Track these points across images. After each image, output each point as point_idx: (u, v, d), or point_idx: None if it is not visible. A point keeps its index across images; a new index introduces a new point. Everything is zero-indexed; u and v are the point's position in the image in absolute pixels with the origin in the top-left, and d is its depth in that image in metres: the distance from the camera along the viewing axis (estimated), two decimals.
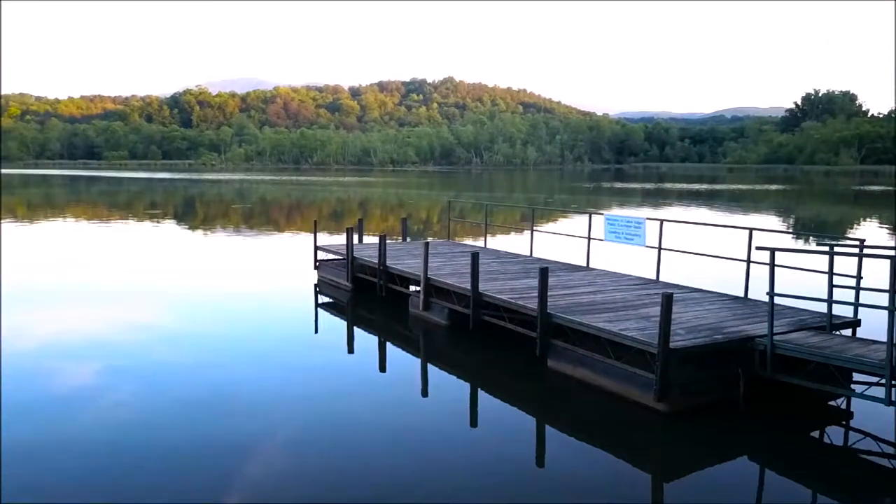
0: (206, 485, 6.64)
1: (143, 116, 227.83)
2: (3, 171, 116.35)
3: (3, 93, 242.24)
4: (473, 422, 8.70)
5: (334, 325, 13.86)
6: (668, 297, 8.08)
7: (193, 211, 45.64)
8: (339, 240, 22.33)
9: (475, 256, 11.49)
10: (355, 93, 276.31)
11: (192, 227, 33.42)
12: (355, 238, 16.28)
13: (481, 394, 9.81)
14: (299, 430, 8.06)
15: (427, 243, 13.11)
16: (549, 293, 10.17)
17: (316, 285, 16.96)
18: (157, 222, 35.22)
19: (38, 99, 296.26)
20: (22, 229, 30.92)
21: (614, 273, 13.91)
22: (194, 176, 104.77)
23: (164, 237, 28.95)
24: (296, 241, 27.03)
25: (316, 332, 13.19)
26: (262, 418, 8.39)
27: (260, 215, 41.41)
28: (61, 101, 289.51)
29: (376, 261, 14.75)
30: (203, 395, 9.20)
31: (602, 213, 14.18)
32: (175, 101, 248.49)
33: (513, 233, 27.71)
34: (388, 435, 7.97)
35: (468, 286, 11.70)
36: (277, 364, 10.65)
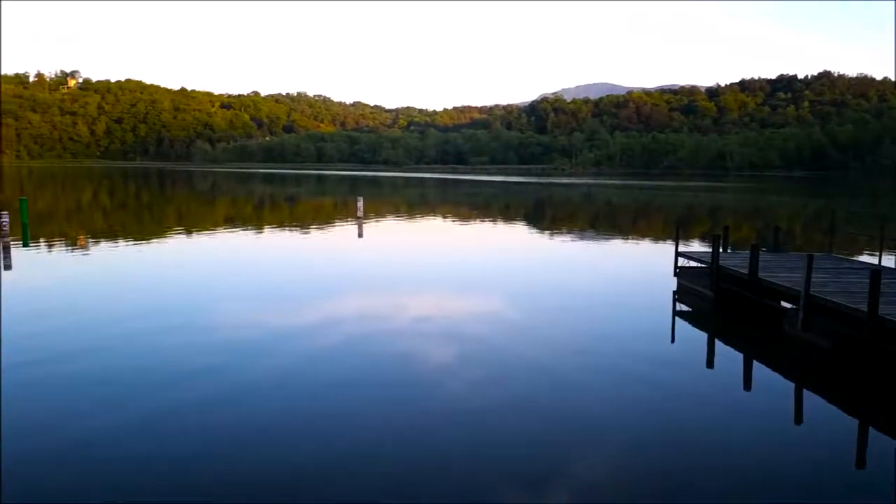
0: (527, 485, 6.72)
1: (504, 124, 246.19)
2: (391, 174, 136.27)
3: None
4: (860, 462, 7.47)
5: (693, 336, 13.18)
6: None
7: (543, 212, 47.86)
8: (695, 247, 21.30)
9: (875, 274, 9.84)
10: (713, 94, 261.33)
11: (542, 228, 35.01)
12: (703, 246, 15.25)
13: (872, 432, 8.39)
14: (645, 447, 7.64)
15: (811, 256, 11.65)
16: None
17: (674, 292, 16.35)
18: (511, 222, 37.72)
19: (421, 111, 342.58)
20: (401, 225, 35.77)
21: None
22: (545, 180, 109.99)
23: (517, 236, 30.82)
24: (644, 246, 26.54)
25: (672, 341, 12.66)
26: (606, 428, 8.18)
27: (606, 218, 41.68)
28: (438, 113, 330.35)
29: (745, 271, 13.63)
30: (542, 395, 9.25)
31: None
32: (532, 109, 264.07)
33: None
34: (755, 465, 7.21)
35: (864, 308, 10.08)
36: (629, 372, 10.40)
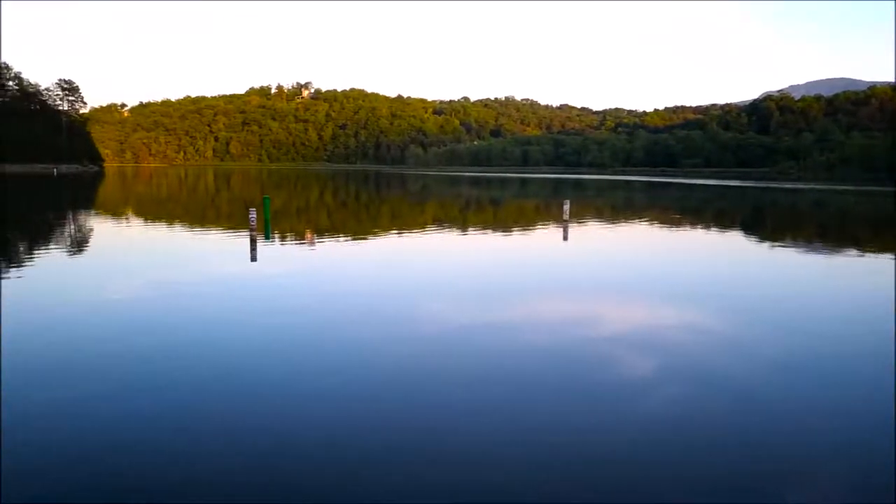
0: None
1: (720, 124, 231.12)
2: (596, 176, 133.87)
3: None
4: None
5: None
6: None
7: (763, 220, 44.31)
8: None
9: None
10: None
11: (762, 237, 32.46)
12: None
13: None
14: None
15: None
16: None
17: None
18: (726, 230, 35.40)
19: (630, 112, 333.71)
20: (608, 229, 35.08)
21: None
22: (767, 184, 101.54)
23: (733, 245, 28.85)
24: (886, 262, 23.53)
25: None
26: (823, 472, 7.39)
27: (839, 229, 37.56)
28: (647, 114, 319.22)
29: None
30: (750, 422, 8.51)
31: None
32: (754, 108, 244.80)
33: None
34: None
35: None
36: (861, 407, 9.28)
